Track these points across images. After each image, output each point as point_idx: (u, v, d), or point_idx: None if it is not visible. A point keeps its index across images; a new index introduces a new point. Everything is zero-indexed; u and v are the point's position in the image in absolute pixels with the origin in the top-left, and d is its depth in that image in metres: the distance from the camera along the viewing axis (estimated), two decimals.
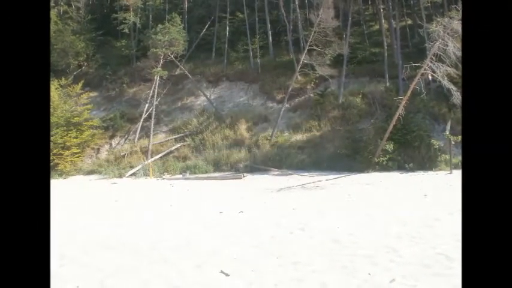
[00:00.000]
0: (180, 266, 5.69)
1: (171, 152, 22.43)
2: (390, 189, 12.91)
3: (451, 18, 15.34)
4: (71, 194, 15.39)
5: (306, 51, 21.66)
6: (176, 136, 23.63)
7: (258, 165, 19.78)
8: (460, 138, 16.47)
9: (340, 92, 22.98)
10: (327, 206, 10.32)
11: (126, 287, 5.03)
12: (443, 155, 17.64)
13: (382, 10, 27.01)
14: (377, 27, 30.65)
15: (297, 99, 24.21)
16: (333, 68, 22.51)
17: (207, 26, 30.07)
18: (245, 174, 18.66)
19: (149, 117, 23.74)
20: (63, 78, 24.57)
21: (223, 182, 17.60)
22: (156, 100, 24.05)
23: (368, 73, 24.40)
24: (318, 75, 22.85)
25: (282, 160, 19.69)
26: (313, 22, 21.91)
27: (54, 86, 22.85)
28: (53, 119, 20.71)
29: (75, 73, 27.59)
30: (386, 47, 24.17)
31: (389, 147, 17.47)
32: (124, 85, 27.54)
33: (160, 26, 24.15)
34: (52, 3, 31.25)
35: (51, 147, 19.64)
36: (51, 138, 19.97)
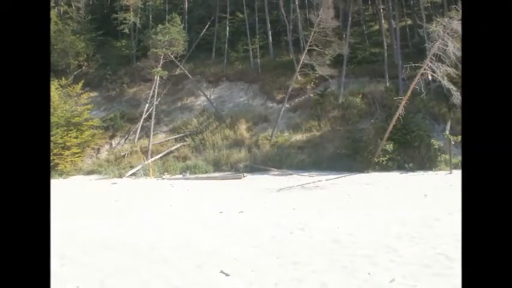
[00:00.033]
0: (180, 266, 5.69)
1: (171, 152, 22.43)
2: (390, 189, 12.92)
3: (450, 18, 15.34)
4: (71, 194, 15.39)
5: (306, 51, 21.65)
6: (176, 136, 23.63)
7: (258, 165, 19.78)
8: (459, 138, 16.48)
9: (340, 92, 22.98)
10: (327, 206, 10.33)
11: (126, 287, 5.04)
12: (443, 155, 17.65)
13: (382, 10, 27.01)
14: (377, 27, 30.65)
15: (297, 99, 24.21)
16: (333, 68, 22.50)
17: (207, 26, 30.07)
18: (245, 174, 18.67)
19: (149, 117, 23.74)
20: (63, 78, 24.58)
21: (223, 182, 17.60)
22: (156, 100, 24.06)
23: (368, 73, 24.40)
24: (318, 75, 22.84)
25: (282, 160, 19.70)
26: (313, 22, 21.91)
27: (54, 86, 22.85)
28: (53, 119, 20.71)
29: (75, 73, 27.59)
30: (386, 47, 24.17)
31: (389, 147, 17.48)
32: (124, 85, 27.54)
33: (160, 26, 24.15)
34: (52, 4, 31.23)
35: (51, 147, 19.64)
36: (52, 138, 19.97)
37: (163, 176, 20.11)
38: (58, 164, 20.70)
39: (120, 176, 20.16)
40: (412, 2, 31.39)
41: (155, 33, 23.63)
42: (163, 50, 23.22)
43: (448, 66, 15.12)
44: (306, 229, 7.63)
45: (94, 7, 34.42)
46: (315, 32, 21.02)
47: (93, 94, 26.18)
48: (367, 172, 17.21)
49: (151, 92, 24.11)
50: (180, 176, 19.85)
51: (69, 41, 27.21)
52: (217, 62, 28.44)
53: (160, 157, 21.84)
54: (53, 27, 26.84)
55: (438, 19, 16.21)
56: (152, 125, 23.11)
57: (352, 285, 4.73)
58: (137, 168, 20.57)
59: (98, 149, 23.75)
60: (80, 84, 24.34)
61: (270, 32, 28.43)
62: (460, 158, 16.28)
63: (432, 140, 17.91)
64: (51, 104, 20.73)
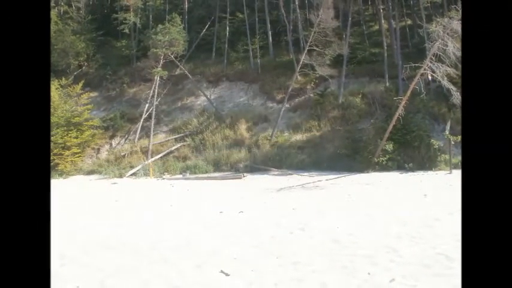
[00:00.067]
0: (180, 266, 5.69)
1: (171, 152, 22.43)
2: (390, 189, 12.92)
3: (450, 18, 15.34)
4: (71, 194, 15.39)
5: (305, 51, 21.65)
6: (176, 136, 23.64)
7: (258, 165, 19.78)
8: (459, 138, 16.48)
9: (340, 92, 22.98)
10: (327, 206, 10.33)
11: (126, 287, 5.04)
12: (443, 155, 17.65)
13: (381, 10, 27.01)
14: (377, 27, 30.64)
15: (297, 99, 24.21)
16: (333, 68, 22.50)
17: (207, 26, 30.07)
18: (245, 174, 18.67)
19: (149, 117, 23.75)
20: (63, 78, 24.58)
21: (223, 182, 17.60)
22: (156, 100, 24.06)
23: (368, 73, 24.39)
24: (317, 75, 22.84)
25: (282, 160, 19.70)
26: (313, 22, 21.90)
27: (54, 86, 22.85)
28: (53, 119, 20.71)
29: (75, 73, 27.59)
30: (386, 47, 24.16)
31: (389, 147, 17.48)
32: (124, 85, 27.54)
33: (160, 26, 24.15)
34: (52, 4, 31.24)
35: (51, 147, 19.65)
36: (52, 138, 19.97)
37: (164, 176, 20.11)
38: (58, 164, 20.70)
39: (120, 176, 20.16)
40: (412, 2, 31.38)
41: (155, 33, 23.64)
42: (164, 50, 23.22)
43: (448, 66, 15.12)
44: (306, 229, 7.63)
45: (94, 7, 34.42)
46: (315, 32, 21.02)
47: (93, 94, 26.18)
48: (367, 172, 17.21)
49: (152, 92, 24.11)
50: (180, 176, 19.85)
51: (70, 41, 27.21)
52: (217, 62, 28.44)
53: (161, 157, 21.84)
54: (53, 27, 26.85)
55: (438, 19, 16.22)
56: (152, 125, 23.12)
57: (352, 285, 4.73)
58: (137, 168, 20.57)
59: (98, 149, 23.75)
60: (80, 84, 24.34)
61: (270, 32, 28.43)
62: (459, 158, 16.28)
63: (432, 140, 17.92)
64: (51, 104, 20.74)
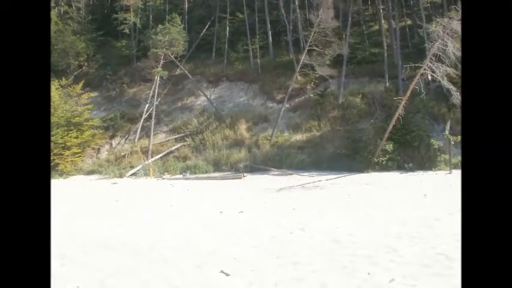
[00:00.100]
0: (180, 266, 5.69)
1: (171, 152, 22.44)
2: (390, 189, 12.92)
3: (450, 18, 15.34)
4: (71, 194, 15.40)
5: (305, 51, 21.66)
6: (176, 136, 23.64)
7: (258, 165, 19.78)
8: (459, 138, 16.48)
9: (340, 92, 22.99)
10: (326, 206, 10.33)
11: (126, 287, 5.04)
12: (442, 155, 17.66)
13: (381, 10, 27.01)
14: (377, 27, 30.65)
15: (297, 99, 24.21)
16: (333, 68, 22.51)
17: (207, 26, 30.08)
18: (245, 174, 18.67)
19: (149, 117, 23.76)
20: (63, 79, 24.60)
21: (223, 182, 17.61)
22: (157, 100, 24.06)
23: (368, 73, 24.40)
24: (317, 75, 22.84)
25: (282, 160, 19.70)
26: (313, 22, 21.91)
27: (54, 86, 22.86)
28: (53, 119, 20.72)
29: (75, 73, 27.60)
30: (386, 47, 24.17)
31: (389, 147, 17.48)
32: (124, 85, 27.55)
33: (160, 26, 24.16)
34: (53, 4, 31.26)
35: (51, 147, 19.65)
36: (52, 138, 19.98)
37: (164, 176, 20.12)
38: (58, 164, 20.71)
39: (121, 176, 20.17)
40: (411, 2, 31.38)
41: (155, 33, 23.64)
42: (164, 50, 23.22)
43: (448, 66, 15.13)
44: (306, 229, 7.63)
45: (94, 7, 34.44)
46: (314, 32, 21.02)
47: (94, 94, 26.19)
48: (367, 172, 17.22)
49: (152, 92, 24.11)
50: (180, 176, 19.86)
51: (70, 41, 27.23)
52: (217, 62, 28.44)
53: (161, 157, 21.85)
54: (53, 27, 26.85)
55: (438, 19, 16.22)
56: (152, 125, 23.13)
57: (352, 285, 4.73)
58: (137, 168, 20.58)
59: (98, 149, 23.76)
60: (80, 84, 24.35)
61: (270, 32, 28.44)
62: (459, 158, 16.28)
63: (432, 140, 17.92)
64: (51, 104, 20.75)
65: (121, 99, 27.23)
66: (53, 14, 29.27)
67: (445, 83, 15.39)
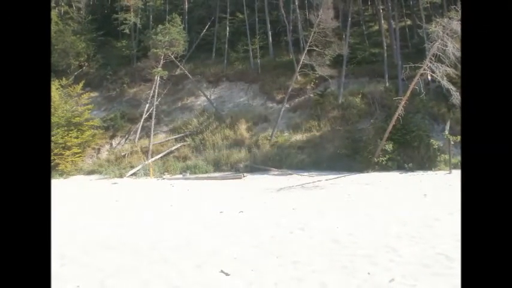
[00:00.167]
0: (180, 266, 5.70)
1: (171, 152, 22.44)
2: (390, 189, 12.92)
3: (450, 18, 15.34)
4: (71, 194, 15.40)
5: (305, 51, 21.66)
6: (176, 136, 23.64)
7: (258, 165, 19.78)
8: (459, 138, 16.48)
9: (340, 92, 22.99)
10: (326, 206, 10.33)
11: (126, 287, 5.04)
12: (442, 155, 17.65)
13: (381, 11, 27.02)
14: (376, 27, 30.64)
15: (296, 99, 24.21)
16: (333, 68, 22.51)
17: (207, 26, 30.08)
18: (245, 174, 18.67)
19: (149, 117, 23.76)
20: (63, 79, 24.60)
21: (223, 182, 17.61)
22: (157, 100, 24.06)
23: (368, 73, 24.39)
24: (317, 75, 22.83)
25: (282, 160, 19.70)
26: (313, 22, 21.90)
27: (55, 86, 22.86)
28: (53, 119, 20.72)
29: (75, 73, 27.59)
30: (385, 48, 24.17)
31: (389, 147, 17.48)
32: (124, 85, 27.55)
33: (160, 26, 24.16)
34: (53, 4, 31.24)
35: (52, 147, 19.66)
36: (52, 138, 19.99)
37: (164, 176, 20.12)
38: (59, 164, 20.71)
39: (121, 176, 20.17)
40: (411, 3, 31.39)
41: (155, 33, 23.64)
42: (164, 50, 23.22)
43: (448, 66, 15.13)
44: (305, 229, 7.64)
45: (94, 7, 34.43)
46: (314, 33, 21.02)
47: (94, 94, 26.18)
48: (367, 172, 17.22)
49: (152, 92, 24.12)
50: (180, 176, 19.86)
51: (70, 41, 27.22)
52: (217, 62, 28.44)
53: (161, 157, 21.85)
54: (53, 27, 26.86)
55: (437, 19, 16.22)
56: (152, 125, 23.13)
57: (352, 285, 4.73)
58: (137, 168, 20.58)
59: (99, 149, 23.76)
60: (81, 84, 24.35)
61: (270, 33, 28.44)
62: (459, 158, 16.28)
63: (432, 140, 17.92)
64: (51, 104, 20.76)
65: (121, 99, 27.23)
66: (53, 14, 29.27)
67: (445, 83, 15.39)
